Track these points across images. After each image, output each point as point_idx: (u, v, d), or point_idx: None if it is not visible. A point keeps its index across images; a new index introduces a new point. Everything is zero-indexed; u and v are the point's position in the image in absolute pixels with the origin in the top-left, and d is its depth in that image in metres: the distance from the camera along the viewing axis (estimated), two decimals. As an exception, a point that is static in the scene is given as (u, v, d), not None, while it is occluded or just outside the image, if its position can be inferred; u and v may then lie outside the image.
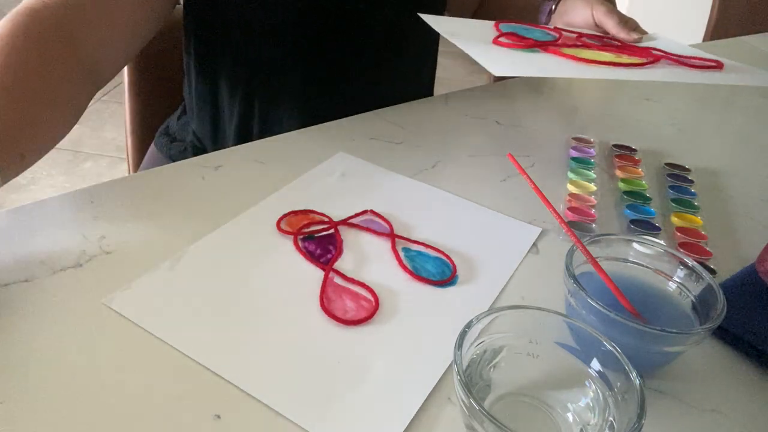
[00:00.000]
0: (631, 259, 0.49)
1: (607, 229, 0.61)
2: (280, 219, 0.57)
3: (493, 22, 0.81)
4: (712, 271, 0.56)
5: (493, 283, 0.52)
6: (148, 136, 0.93)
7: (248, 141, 0.70)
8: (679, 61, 0.73)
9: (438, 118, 0.81)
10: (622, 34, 0.79)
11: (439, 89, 0.98)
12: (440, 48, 0.94)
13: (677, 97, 0.96)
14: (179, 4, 0.76)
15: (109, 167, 2.11)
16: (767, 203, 0.69)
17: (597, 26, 0.83)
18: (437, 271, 0.53)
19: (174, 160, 0.63)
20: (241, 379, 0.41)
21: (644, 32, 0.82)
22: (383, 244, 0.55)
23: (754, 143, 0.85)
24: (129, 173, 1.00)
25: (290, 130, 0.73)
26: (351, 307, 0.48)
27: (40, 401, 0.38)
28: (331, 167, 0.66)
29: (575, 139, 0.77)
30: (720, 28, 1.71)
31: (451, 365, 0.44)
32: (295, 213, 0.58)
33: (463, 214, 0.61)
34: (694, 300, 0.46)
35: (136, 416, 0.38)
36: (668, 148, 0.79)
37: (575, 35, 0.79)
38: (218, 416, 0.39)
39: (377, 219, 0.59)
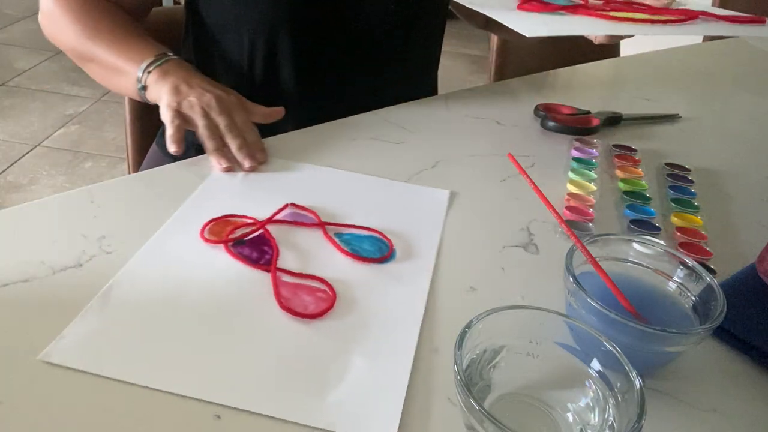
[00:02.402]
0: (631, 259, 0.49)
1: (607, 229, 0.61)
2: (202, 230, 0.54)
3: None
4: (712, 271, 0.56)
5: (427, 250, 0.55)
6: (148, 136, 0.93)
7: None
8: (719, 16, 0.73)
9: (438, 118, 0.81)
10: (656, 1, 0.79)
11: (439, 89, 0.98)
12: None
13: (677, 97, 0.96)
14: (180, 3, 0.77)
15: (109, 167, 2.11)
16: (767, 203, 0.69)
17: None
18: (375, 249, 0.54)
19: (175, 160, 0.63)
20: (228, 397, 0.40)
21: None
22: (315, 235, 0.55)
23: (754, 143, 0.85)
24: (129, 173, 1.00)
25: (290, 130, 0.73)
26: (310, 301, 0.48)
27: (40, 402, 0.38)
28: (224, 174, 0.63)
29: (577, 140, 0.77)
30: (720, 28, 1.71)
31: (422, 330, 0.47)
32: (215, 221, 0.55)
33: (376, 192, 0.62)
34: (694, 300, 0.46)
35: (136, 415, 0.38)
36: (668, 148, 0.79)
37: (602, 1, 0.79)
38: (218, 416, 0.39)
39: (301, 211, 0.58)
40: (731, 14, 0.77)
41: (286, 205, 0.58)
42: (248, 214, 0.57)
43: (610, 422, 0.37)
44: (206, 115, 0.64)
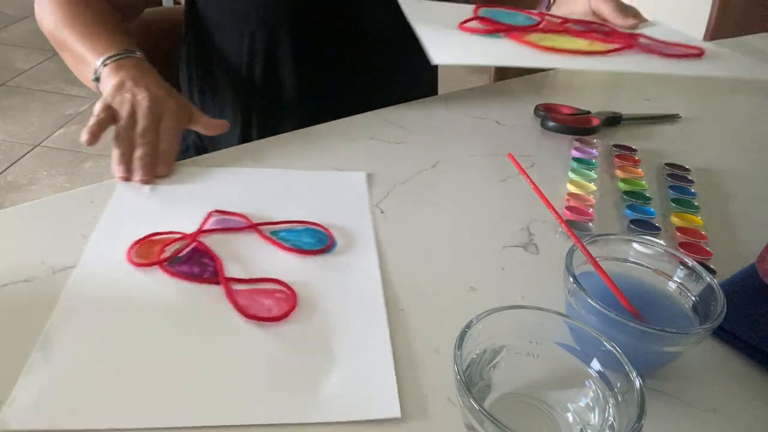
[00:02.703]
0: (631, 259, 0.49)
1: (606, 229, 0.61)
2: (128, 253, 0.50)
3: (474, 6, 0.79)
4: (712, 271, 0.56)
5: (364, 233, 0.56)
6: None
7: (248, 141, 0.70)
8: (654, 49, 0.71)
9: (438, 118, 0.81)
10: (618, 19, 0.78)
11: (439, 89, 0.98)
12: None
13: (677, 97, 0.96)
14: (180, 3, 0.77)
15: (109, 167, 2.11)
16: (767, 203, 0.69)
17: (595, 14, 0.81)
18: (316, 240, 0.54)
19: (176, 160, 0.63)
20: (217, 416, 0.38)
21: (644, 19, 0.81)
22: (251, 238, 0.54)
23: (754, 143, 0.85)
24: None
25: (290, 130, 0.73)
26: (272, 304, 0.47)
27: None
28: (134, 187, 0.60)
29: (577, 140, 0.77)
30: (720, 28, 1.71)
31: (390, 307, 0.48)
32: (139, 243, 0.51)
33: (296, 184, 0.62)
34: (694, 300, 0.46)
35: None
36: (668, 148, 0.79)
37: (560, 20, 0.78)
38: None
39: (228, 217, 0.56)
40: (672, 41, 0.76)
41: (211, 214, 0.55)
42: (173, 230, 0.53)
43: (610, 422, 0.37)
44: (131, 114, 0.62)
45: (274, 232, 0.54)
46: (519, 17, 0.77)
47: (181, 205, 0.57)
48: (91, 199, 0.57)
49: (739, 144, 0.84)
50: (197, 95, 0.84)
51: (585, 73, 1.03)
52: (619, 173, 0.71)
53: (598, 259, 0.46)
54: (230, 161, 0.65)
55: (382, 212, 0.60)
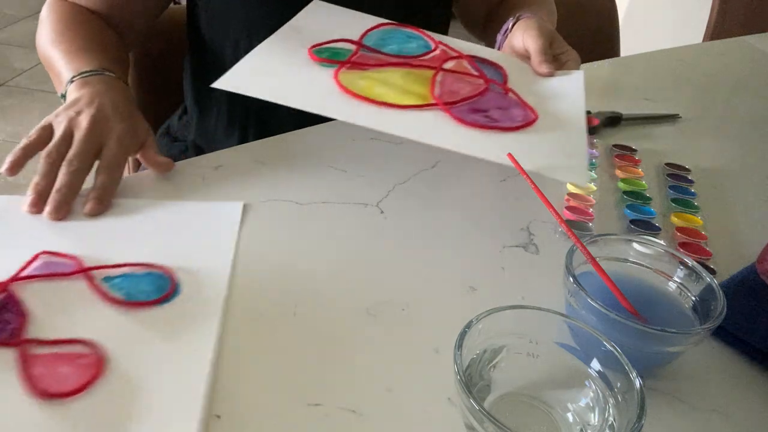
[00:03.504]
0: (631, 259, 0.49)
1: (606, 229, 0.61)
2: None
3: (378, 22, 0.73)
4: (712, 271, 0.56)
5: (218, 278, 0.47)
6: (148, 136, 0.93)
7: (248, 141, 0.70)
8: (485, 109, 0.60)
9: (438, 118, 0.81)
10: (534, 62, 0.71)
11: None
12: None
13: (677, 97, 0.96)
14: (180, 3, 0.77)
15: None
16: (767, 203, 0.69)
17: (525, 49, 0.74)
18: (154, 288, 0.46)
19: (174, 160, 0.63)
20: None
21: (568, 68, 0.73)
22: (78, 286, 0.45)
23: (754, 143, 0.85)
24: (129, 173, 1.00)
25: (290, 131, 0.73)
26: (69, 373, 0.39)
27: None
28: None
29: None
30: (720, 28, 1.71)
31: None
32: None
33: (157, 217, 0.54)
34: (694, 300, 0.46)
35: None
36: (668, 148, 0.79)
37: (455, 53, 0.71)
38: (218, 416, 0.39)
39: (57, 259, 0.48)
40: (525, 104, 0.64)
41: (36, 256, 0.47)
42: None
43: (610, 422, 0.37)
44: (66, 135, 0.55)
45: (107, 278, 0.46)
46: (414, 42, 0.72)
47: (4, 242, 0.49)
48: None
49: (739, 144, 0.84)
50: (195, 97, 0.84)
51: (585, 73, 1.03)
52: (619, 173, 0.71)
53: (598, 259, 0.46)
54: (230, 161, 0.65)
55: (381, 212, 0.60)
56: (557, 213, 0.49)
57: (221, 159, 0.66)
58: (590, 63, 1.07)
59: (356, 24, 0.72)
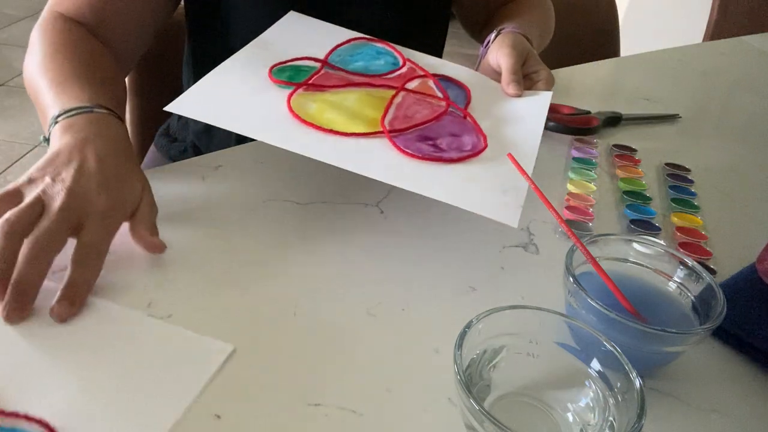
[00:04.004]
0: (631, 259, 0.49)
1: (607, 229, 0.61)
2: None
3: (351, 36, 0.72)
4: (712, 271, 0.56)
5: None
6: (148, 136, 0.93)
7: (247, 141, 0.70)
8: (402, 147, 0.56)
9: (438, 118, 0.81)
10: (504, 81, 0.70)
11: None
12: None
13: (677, 97, 0.96)
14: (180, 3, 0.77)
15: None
16: (767, 203, 0.69)
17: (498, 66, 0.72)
18: None
19: (174, 161, 0.63)
20: None
21: (531, 88, 0.72)
22: None
23: (754, 143, 0.85)
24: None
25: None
26: None
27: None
28: None
29: (577, 140, 0.77)
30: (720, 28, 1.71)
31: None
32: None
33: (132, 334, 0.43)
34: (694, 300, 0.46)
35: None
36: (668, 148, 0.79)
37: (422, 71, 0.69)
38: (218, 416, 0.39)
39: None
40: (480, 130, 0.62)
41: None
42: None
43: (610, 422, 0.37)
44: (33, 204, 0.44)
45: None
46: (382, 58, 0.70)
47: None
48: None
49: (739, 144, 0.84)
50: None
51: (585, 73, 1.03)
52: (619, 173, 0.71)
53: (598, 259, 0.46)
54: (230, 161, 0.65)
55: (381, 212, 0.60)
56: (557, 213, 0.49)
57: (221, 159, 0.66)
58: (590, 63, 1.07)
59: (329, 38, 0.70)
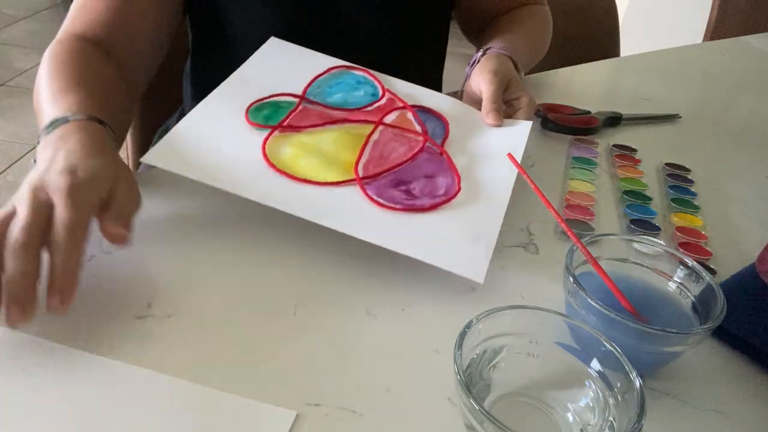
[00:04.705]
0: (631, 259, 0.49)
1: (607, 229, 0.61)
2: None
3: (332, 65, 0.71)
4: (712, 271, 0.56)
5: None
6: (148, 136, 0.93)
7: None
8: (373, 197, 0.55)
9: (438, 118, 0.81)
10: (484, 109, 0.68)
11: (442, 89, 0.98)
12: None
13: (677, 97, 0.96)
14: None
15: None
16: (767, 203, 0.69)
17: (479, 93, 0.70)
18: None
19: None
20: None
21: (512, 116, 0.69)
22: None
23: (754, 143, 0.85)
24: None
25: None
26: None
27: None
28: None
29: (577, 140, 0.77)
30: (720, 28, 1.71)
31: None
32: None
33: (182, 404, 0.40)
34: (694, 300, 0.46)
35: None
36: (668, 148, 0.79)
37: (402, 103, 0.67)
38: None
39: None
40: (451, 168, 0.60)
41: None
42: None
43: (610, 422, 0.37)
44: (8, 214, 0.43)
45: None
46: (362, 89, 0.69)
47: None
48: None
49: (739, 144, 0.84)
50: (196, 94, 0.85)
51: (585, 73, 1.03)
52: (619, 173, 0.71)
53: (598, 259, 0.46)
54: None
55: (382, 212, 0.60)
56: (557, 213, 0.49)
57: (221, 159, 0.66)
58: (590, 63, 1.07)
59: (309, 67, 0.69)
